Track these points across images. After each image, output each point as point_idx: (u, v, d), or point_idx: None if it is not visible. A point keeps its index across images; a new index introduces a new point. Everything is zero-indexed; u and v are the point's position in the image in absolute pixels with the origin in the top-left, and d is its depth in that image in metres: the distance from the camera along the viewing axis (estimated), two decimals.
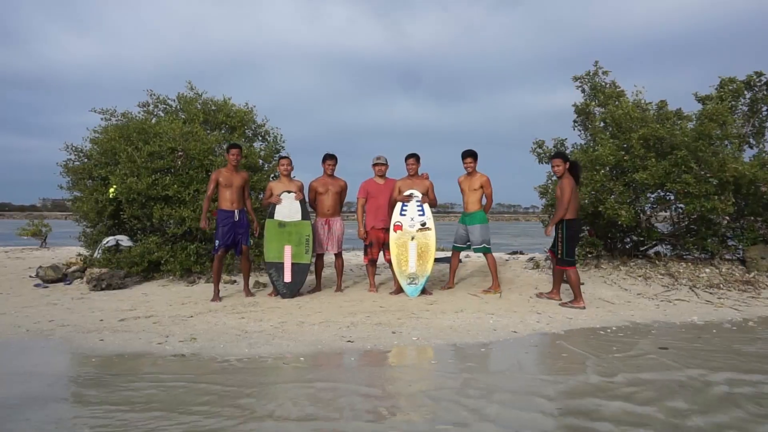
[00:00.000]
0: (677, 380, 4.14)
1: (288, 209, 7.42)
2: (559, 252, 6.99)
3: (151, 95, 10.00)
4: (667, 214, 9.45)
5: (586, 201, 8.42)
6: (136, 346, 5.09)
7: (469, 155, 7.65)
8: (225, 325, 5.82)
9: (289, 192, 7.45)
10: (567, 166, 7.06)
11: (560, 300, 7.21)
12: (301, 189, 7.56)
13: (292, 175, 7.71)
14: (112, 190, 8.72)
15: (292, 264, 7.30)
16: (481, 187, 7.62)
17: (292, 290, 7.29)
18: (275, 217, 7.39)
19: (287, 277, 7.27)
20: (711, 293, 7.83)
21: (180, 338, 5.31)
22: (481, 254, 7.92)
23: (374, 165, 7.73)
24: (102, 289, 7.83)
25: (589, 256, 9.59)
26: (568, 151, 9.93)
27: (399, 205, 7.50)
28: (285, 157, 7.73)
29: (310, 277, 7.94)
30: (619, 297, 7.57)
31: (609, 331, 5.84)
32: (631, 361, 4.63)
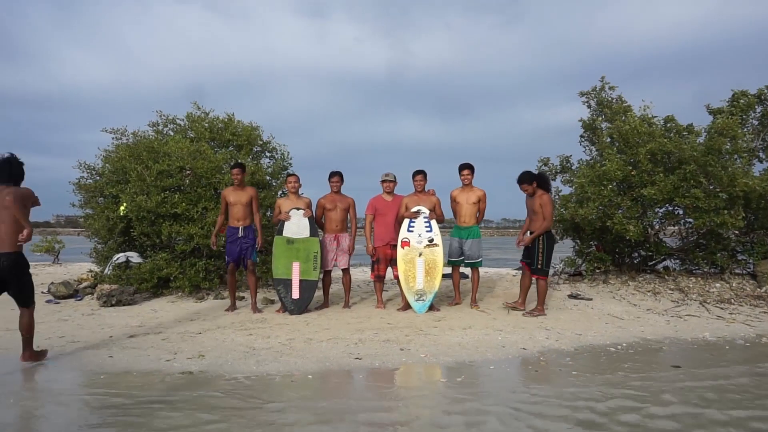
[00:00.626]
0: (694, 403, 4.10)
1: (297, 226, 7.46)
2: (540, 263, 7.15)
3: (160, 115, 10.12)
4: (676, 228, 9.40)
5: (594, 216, 8.39)
6: (144, 363, 5.11)
7: (467, 167, 7.69)
8: (233, 341, 5.82)
9: (297, 209, 7.49)
10: (535, 184, 7.24)
11: (524, 309, 7.38)
12: (309, 206, 7.60)
13: (299, 192, 7.76)
14: (122, 207, 8.81)
15: (300, 280, 7.31)
16: (479, 200, 7.64)
17: (300, 307, 7.30)
18: (284, 234, 7.42)
19: (295, 294, 7.28)
20: (722, 308, 7.76)
21: (188, 355, 5.32)
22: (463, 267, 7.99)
23: (382, 182, 7.76)
24: (112, 305, 7.88)
25: (597, 271, 9.55)
26: (574, 167, 9.92)
27: (406, 221, 7.51)
28: (292, 175, 7.77)
29: (318, 294, 7.95)
30: (628, 313, 7.51)
31: (619, 348, 5.79)
32: (645, 382, 4.56)
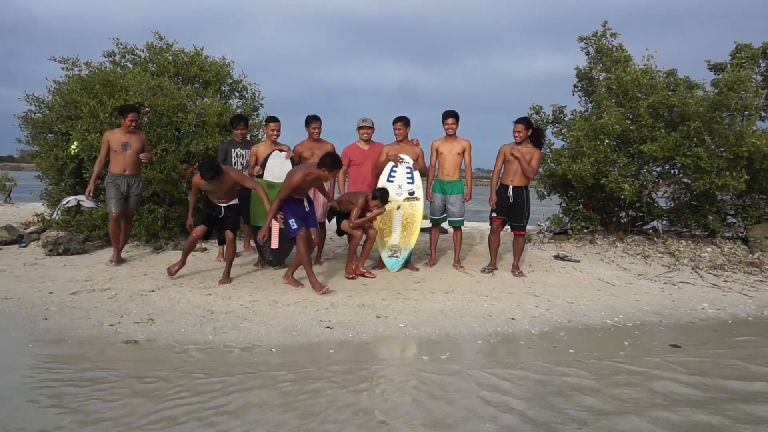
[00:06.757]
0: (707, 397, 3.63)
1: (279, 169, 6.68)
2: (526, 218, 6.84)
3: (117, 44, 9.12)
4: (670, 188, 8.88)
5: (588, 173, 7.80)
6: (84, 327, 4.46)
7: (452, 115, 6.92)
8: (189, 303, 5.18)
9: (280, 150, 6.74)
10: (530, 132, 6.72)
11: (496, 268, 7.08)
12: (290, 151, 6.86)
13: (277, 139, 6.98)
14: (73, 146, 7.97)
15: (281, 228, 6.61)
16: (463, 151, 6.94)
17: (279, 258, 6.67)
18: (264, 177, 6.68)
19: (274, 243, 6.52)
20: (716, 275, 7.36)
21: (136, 319, 4.69)
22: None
23: (359, 128, 6.98)
24: (59, 254, 7.13)
25: (585, 231, 9.06)
26: (567, 119, 9.30)
27: (387, 169, 6.82)
28: (275, 120, 6.88)
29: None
30: (619, 278, 7.05)
31: (616, 320, 5.31)
32: (651, 366, 4.07)
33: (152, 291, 5.54)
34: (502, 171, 6.87)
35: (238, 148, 6.97)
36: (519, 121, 6.72)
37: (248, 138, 7.48)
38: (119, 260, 6.74)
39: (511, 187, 6.73)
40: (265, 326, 4.61)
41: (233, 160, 6.88)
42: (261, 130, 8.39)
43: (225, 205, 6.10)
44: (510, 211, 6.79)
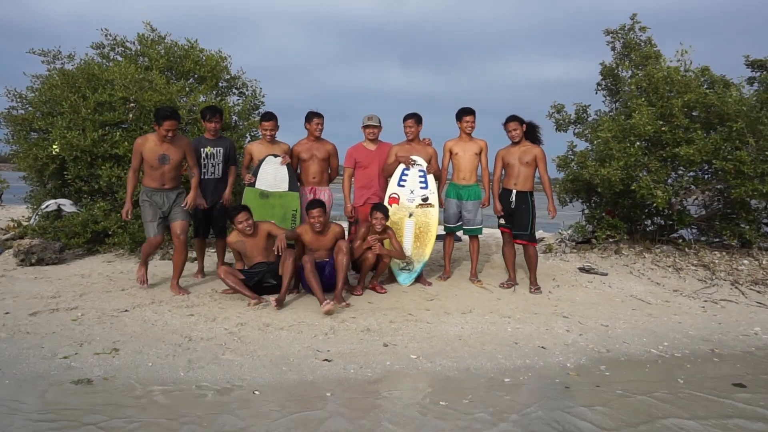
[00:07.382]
0: None
1: (273, 177, 5.97)
2: (531, 228, 6.04)
3: (106, 35, 8.43)
4: (704, 195, 8.10)
5: (617, 178, 7.06)
6: (30, 361, 3.69)
7: (472, 113, 6.23)
8: (165, 326, 4.45)
9: (274, 156, 6.01)
10: (524, 128, 6.07)
11: (516, 284, 6.34)
12: (287, 153, 6.13)
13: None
14: (55, 146, 7.30)
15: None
16: (480, 152, 6.25)
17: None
18: (256, 186, 5.97)
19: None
20: (759, 292, 6.62)
21: (97, 348, 3.95)
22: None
23: (364, 127, 6.24)
24: (32, 264, 6.44)
25: (610, 240, 8.30)
26: (590, 119, 8.56)
27: (398, 173, 6.11)
28: (269, 119, 6.11)
29: None
30: (653, 294, 6.31)
31: (661, 348, 4.55)
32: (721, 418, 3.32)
33: (126, 311, 4.81)
34: (502, 176, 6.23)
35: (209, 147, 5.95)
36: (510, 119, 6.07)
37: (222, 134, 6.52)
38: (145, 280, 5.70)
39: (514, 192, 6.02)
40: (251, 358, 3.88)
41: (202, 162, 5.92)
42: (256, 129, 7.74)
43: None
44: (513, 218, 6.07)
